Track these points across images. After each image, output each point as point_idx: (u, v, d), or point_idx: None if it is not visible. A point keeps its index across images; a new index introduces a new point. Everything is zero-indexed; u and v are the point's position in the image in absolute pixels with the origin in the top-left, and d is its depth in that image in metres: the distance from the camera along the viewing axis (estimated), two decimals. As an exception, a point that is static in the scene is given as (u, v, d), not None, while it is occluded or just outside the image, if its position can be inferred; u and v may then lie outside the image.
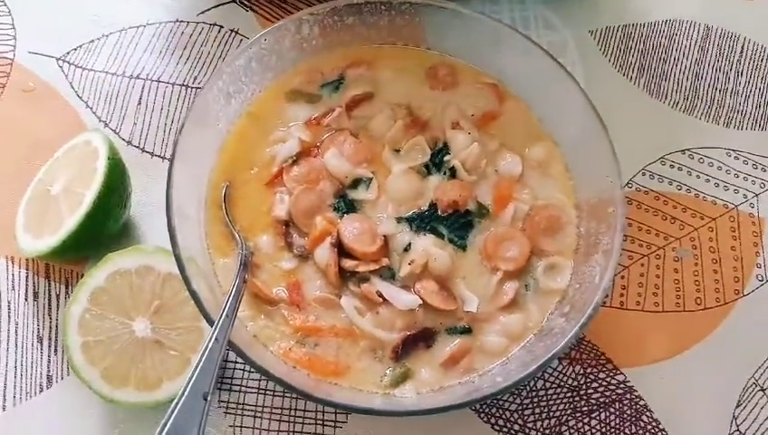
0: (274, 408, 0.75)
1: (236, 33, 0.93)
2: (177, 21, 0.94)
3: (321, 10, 0.76)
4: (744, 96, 0.94)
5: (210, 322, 0.62)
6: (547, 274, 0.72)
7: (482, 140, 0.77)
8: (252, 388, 0.76)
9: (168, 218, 0.65)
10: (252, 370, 0.75)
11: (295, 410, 0.75)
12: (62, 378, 0.76)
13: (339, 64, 0.80)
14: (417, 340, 0.68)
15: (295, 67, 0.79)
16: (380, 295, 0.69)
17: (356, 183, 0.75)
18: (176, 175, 0.66)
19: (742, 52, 0.96)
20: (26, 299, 0.79)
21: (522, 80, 0.79)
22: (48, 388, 0.76)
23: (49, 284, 0.80)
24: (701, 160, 0.90)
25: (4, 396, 0.75)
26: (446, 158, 0.76)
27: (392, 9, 0.78)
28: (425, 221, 0.73)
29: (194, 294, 0.63)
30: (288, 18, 0.76)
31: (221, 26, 0.94)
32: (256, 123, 0.77)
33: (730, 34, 0.97)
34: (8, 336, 0.78)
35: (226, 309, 0.62)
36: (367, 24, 0.79)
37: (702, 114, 0.93)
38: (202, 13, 0.94)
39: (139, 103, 0.90)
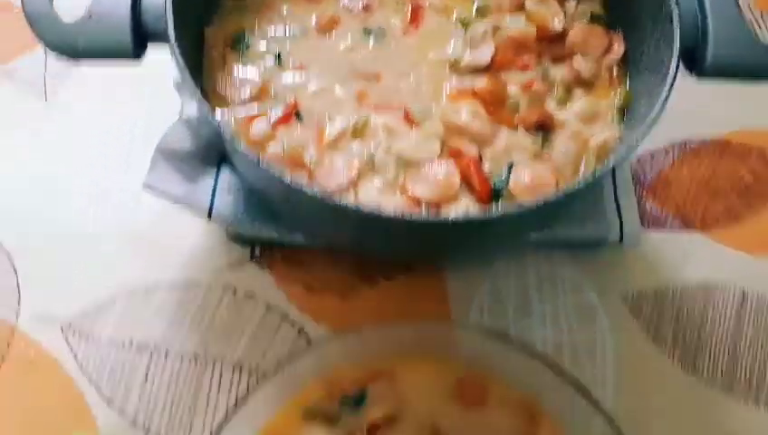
0: None
1: (251, 297, 0.89)
2: (189, 284, 0.90)
3: (347, 339, 0.73)
4: (787, 376, 0.89)
5: None
6: None
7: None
8: None
9: None
10: None
11: None
12: None
13: (359, 376, 0.75)
14: None
15: (313, 381, 0.74)
16: None
17: None
18: None
19: (781, 322, 0.92)
20: None
21: (553, 400, 0.74)
22: None
23: None
24: (744, 454, 0.84)
25: None
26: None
27: (418, 327, 0.74)
28: None
29: None
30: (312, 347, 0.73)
31: (235, 289, 0.89)
32: (271, 449, 0.72)
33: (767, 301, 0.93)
34: None
35: None
36: (389, 338, 0.75)
37: (743, 395, 0.87)
38: (216, 273, 0.90)
39: (146, 379, 0.84)
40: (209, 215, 0.84)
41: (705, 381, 0.88)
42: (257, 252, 0.91)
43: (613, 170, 0.92)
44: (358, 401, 0.74)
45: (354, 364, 0.75)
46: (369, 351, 0.74)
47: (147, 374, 0.85)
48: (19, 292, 0.88)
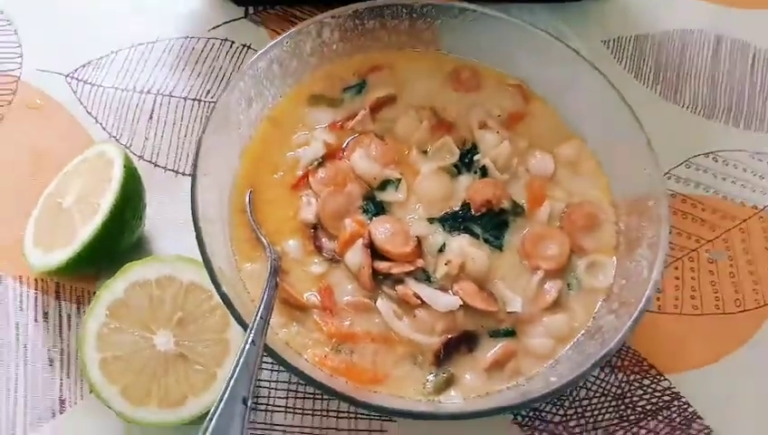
0: (304, 427, 0.71)
1: (248, 47, 0.92)
2: (188, 37, 0.92)
3: (342, 12, 0.75)
4: (761, 101, 0.93)
5: (244, 325, 0.58)
6: (589, 272, 0.69)
7: (511, 139, 0.75)
8: (279, 407, 0.72)
9: (194, 222, 0.61)
10: (278, 387, 0.71)
11: (327, 428, 0.71)
12: (75, 402, 0.71)
13: (359, 69, 0.78)
14: (460, 343, 0.65)
15: (315, 72, 0.77)
16: (418, 297, 0.65)
17: (384, 185, 0.72)
18: (200, 178, 0.63)
19: (754, 59, 0.97)
20: (36, 320, 0.75)
21: (546, 79, 0.78)
22: (61, 413, 0.70)
23: (59, 303, 0.76)
24: (726, 163, 0.88)
25: (15, 423, 0.70)
26: (475, 157, 0.74)
27: (413, 12, 0.77)
28: (458, 221, 0.70)
29: (224, 297, 0.59)
30: (309, 21, 0.75)
31: (232, 42, 0.92)
32: (278, 128, 0.75)
33: (740, 43, 0.97)
34: (17, 359, 0.73)
35: (260, 311, 0.59)
36: (387, 29, 0.78)
37: (722, 119, 0.92)
38: (213, 29, 0.93)
39: (151, 118, 0.87)
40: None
41: (688, 108, 0.92)
42: (251, 10, 0.94)
43: None
44: (359, 88, 0.78)
45: (353, 58, 0.78)
46: (367, 42, 0.77)
47: (151, 115, 0.87)
48: (21, 47, 0.90)
